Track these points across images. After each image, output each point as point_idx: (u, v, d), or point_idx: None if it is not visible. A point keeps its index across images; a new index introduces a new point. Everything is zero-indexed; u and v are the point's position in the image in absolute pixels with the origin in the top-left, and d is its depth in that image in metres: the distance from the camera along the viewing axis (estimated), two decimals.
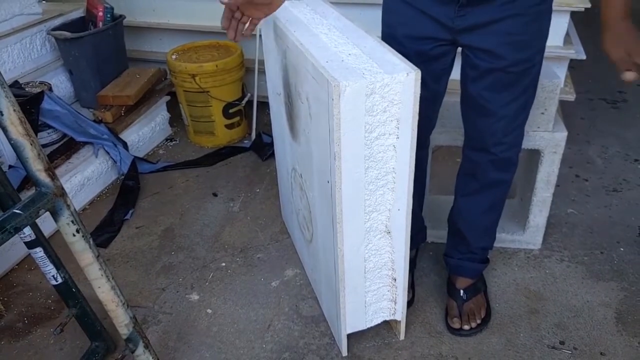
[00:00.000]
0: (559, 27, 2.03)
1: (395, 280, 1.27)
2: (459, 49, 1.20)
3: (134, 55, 2.56)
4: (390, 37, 1.24)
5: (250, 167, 2.17)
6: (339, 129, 1.00)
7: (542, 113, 1.44)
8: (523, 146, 1.46)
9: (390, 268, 1.25)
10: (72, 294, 1.28)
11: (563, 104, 2.20)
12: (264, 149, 2.25)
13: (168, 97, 2.37)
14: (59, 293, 1.28)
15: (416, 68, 1.00)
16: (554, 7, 1.94)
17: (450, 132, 1.50)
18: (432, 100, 1.28)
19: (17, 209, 0.96)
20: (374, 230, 1.17)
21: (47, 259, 1.21)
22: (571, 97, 2.13)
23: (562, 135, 1.46)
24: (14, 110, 0.93)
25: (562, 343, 1.37)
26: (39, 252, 1.20)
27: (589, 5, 1.96)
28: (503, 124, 1.23)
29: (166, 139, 2.40)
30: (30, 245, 1.20)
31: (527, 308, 1.47)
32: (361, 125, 1.02)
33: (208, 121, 2.26)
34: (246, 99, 2.33)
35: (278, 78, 1.39)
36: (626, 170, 2.05)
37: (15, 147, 0.95)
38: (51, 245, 1.22)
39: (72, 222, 1.03)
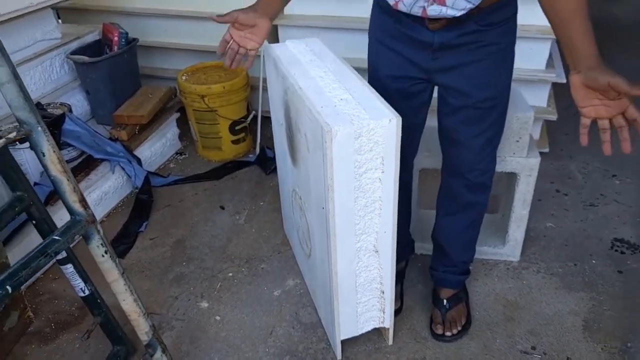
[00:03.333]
0: (541, 52, 2.18)
1: (383, 292, 1.43)
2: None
3: (145, 72, 2.73)
4: (374, 75, 1.41)
5: (254, 181, 2.34)
6: (331, 166, 1.16)
7: (517, 141, 1.59)
8: (502, 169, 1.63)
9: (378, 282, 1.41)
10: (97, 304, 1.45)
11: (549, 122, 2.36)
12: (267, 163, 2.41)
13: (178, 114, 2.54)
14: (85, 303, 1.45)
15: (397, 115, 1.16)
16: (537, 35, 2.11)
17: (434, 156, 1.65)
18: (413, 130, 1.44)
19: (56, 236, 1.13)
20: (363, 250, 1.34)
21: (77, 274, 1.38)
22: (553, 117, 2.28)
23: (535, 160, 1.62)
24: (54, 151, 1.10)
25: (533, 348, 1.53)
26: (69, 268, 1.37)
27: None
28: (474, 154, 1.39)
29: (176, 153, 2.57)
30: (62, 262, 1.37)
31: (503, 316, 1.63)
32: (351, 162, 1.18)
33: (215, 137, 2.43)
34: (251, 116, 2.49)
35: (280, 110, 1.56)
36: (604, 186, 2.21)
37: (54, 182, 1.12)
38: (79, 261, 1.38)
39: (102, 244, 1.20)
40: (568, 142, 2.52)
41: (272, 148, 2.35)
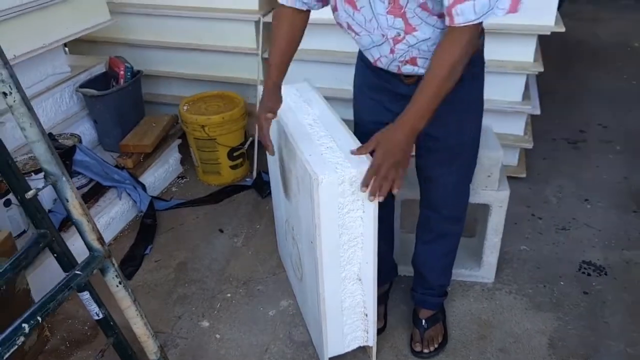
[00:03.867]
0: (517, 86, 2.36)
1: (366, 315, 1.60)
2: None
3: (148, 99, 2.89)
4: (358, 119, 1.60)
5: (251, 205, 2.50)
6: (318, 207, 1.33)
7: (489, 176, 1.76)
8: (475, 201, 1.80)
9: (362, 306, 1.57)
10: (110, 326, 1.60)
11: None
12: (263, 187, 2.57)
13: (180, 141, 2.70)
14: (99, 325, 1.60)
15: None
16: (512, 70, 2.29)
17: (414, 188, 1.81)
18: None
19: (77, 271, 1.30)
20: (348, 279, 1.50)
21: (92, 300, 1.53)
22: (529, 145, 2.46)
23: (505, 193, 1.79)
24: (76, 197, 1.26)
25: None
26: (86, 295, 1.52)
27: (542, 69, 2.28)
28: (447, 190, 1.56)
29: (178, 177, 2.73)
30: (79, 289, 1.53)
31: (477, 334, 1.79)
32: (335, 204, 1.35)
33: (215, 163, 2.60)
34: (248, 143, 2.66)
35: (275, 150, 1.72)
36: (576, 210, 2.38)
37: (76, 223, 1.29)
38: (94, 289, 1.54)
39: (116, 276, 1.37)
40: (545, 166, 2.69)
41: (267, 172, 2.52)
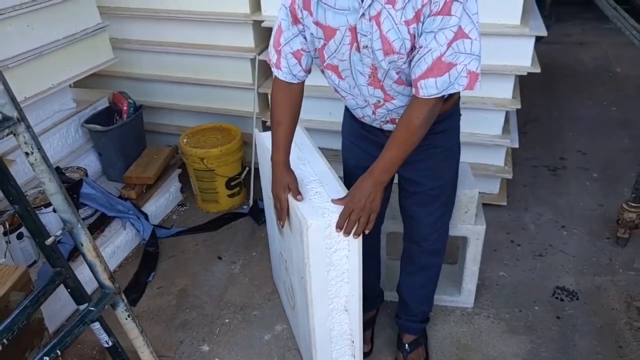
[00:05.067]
0: (497, 121, 2.52)
1: (353, 342, 1.74)
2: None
3: (150, 128, 3.03)
4: (346, 164, 1.76)
5: (248, 232, 2.65)
6: (307, 248, 1.48)
7: (466, 212, 1.92)
8: (454, 234, 1.95)
9: (349, 334, 1.72)
10: (118, 352, 1.73)
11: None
12: (259, 214, 2.72)
13: (180, 170, 2.85)
14: (108, 352, 1.74)
15: None
16: (492, 107, 2.46)
17: (399, 223, 1.97)
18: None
19: (91, 307, 1.44)
20: (335, 310, 1.65)
21: (102, 330, 1.67)
22: (509, 175, 2.61)
23: (482, 227, 1.94)
24: (89, 241, 1.41)
25: None
26: (96, 326, 1.66)
27: (519, 106, 2.44)
28: (427, 227, 1.71)
29: (178, 205, 2.88)
30: (90, 321, 1.67)
31: (456, 357, 1.94)
32: (323, 245, 1.50)
33: (213, 192, 2.75)
34: (244, 172, 2.81)
35: (269, 187, 1.87)
36: (553, 236, 2.53)
37: (90, 265, 1.44)
38: (104, 320, 1.68)
39: (126, 310, 1.52)
40: (525, 194, 2.84)
41: (263, 200, 2.66)
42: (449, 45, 1.23)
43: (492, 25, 2.29)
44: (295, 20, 1.39)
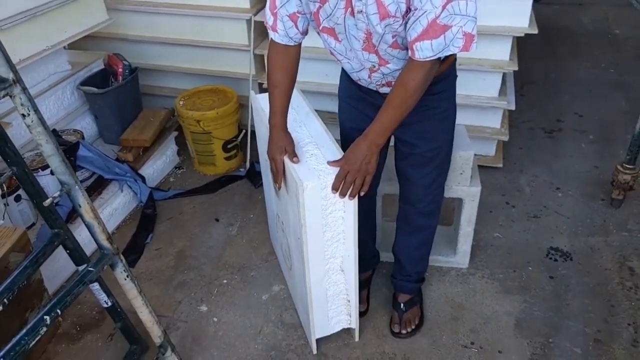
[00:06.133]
0: (494, 83, 2.50)
1: (349, 301, 1.78)
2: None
3: (145, 91, 3.00)
4: (342, 126, 1.75)
5: (245, 194, 2.66)
6: (303, 210, 1.49)
7: (461, 174, 1.93)
8: (449, 195, 1.96)
9: (345, 294, 1.76)
10: (117, 312, 1.78)
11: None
12: (256, 177, 2.72)
13: (176, 133, 2.84)
14: (107, 312, 1.78)
15: None
16: (489, 69, 2.44)
17: (394, 184, 1.98)
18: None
19: (90, 267, 1.46)
20: (332, 270, 1.68)
21: (102, 290, 1.70)
22: (505, 137, 2.61)
23: (477, 189, 1.95)
24: (87, 203, 1.42)
25: (472, 343, 1.88)
26: (96, 286, 1.69)
27: (516, 68, 2.42)
28: (422, 189, 1.73)
29: (175, 167, 2.88)
30: (89, 281, 1.69)
31: (450, 316, 1.98)
32: (318, 206, 1.51)
33: (210, 155, 2.74)
34: (241, 135, 2.81)
35: (265, 149, 1.87)
36: (548, 198, 2.55)
37: (88, 226, 1.45)
38: (103, 281, 1.71)
39: (124, 270, 1.54)
40: (521, 156, 2.85)
41: (259, 163, 2.67)
42: (444, 7, 1.22)
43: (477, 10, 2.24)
44: None
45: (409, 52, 1.30)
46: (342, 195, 1.47)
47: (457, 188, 1.96)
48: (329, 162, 1.51)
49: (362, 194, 1.48)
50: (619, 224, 2.37)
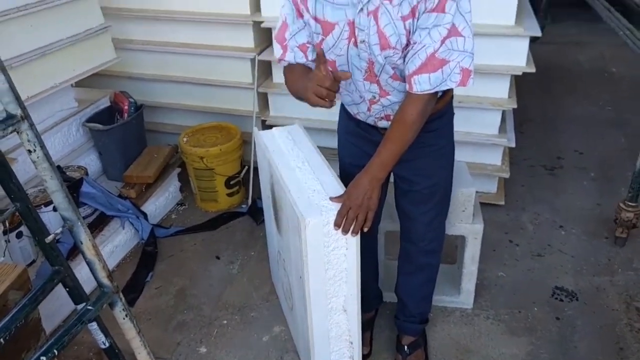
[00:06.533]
0: (493, 120, 2.53)
1: (352, 343, 1.74)
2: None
3: (150, 127, 3.03)
4: (342, 162, 1.77)
5: (246, 231, 2.65)
6: (305, 246, 1.48)
7: (463, 211, 1.92)
8: (452, 233, 1.95)
9: (347, 335, 1.72)
10: (115, 354, 1.73)
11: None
12: (258, 213, 2.72)
13: (179, 169, 2.86)
14: (105, 353, 1.73)
15: None
16: (489, 106, 2.47)
17: (396, 221, 1.96)
18: None
19: (89, 306, 1.44)
20: (334, 310, 1.65)
21: (100, 331, 1.67)
22: (506, 175, 2.62)
23: (479, 226, 1.95)
24: (89, 239, 1.41)
25: None
26: (94, 325, 1.66)
27: (515, 106, 2.45)
28: (423, 226, 1.72)
29: (177, 204, 2.88)
30: (88, 320, 1.67)
31: (456, 359, 1.93)
32: (320, 243, 1.50)
33: (212, 191, 2.75)
34: (244, 171, 2.82)
35: (267, 186, 1.88)
36: (551, 236, 2.53)
37: (89, 263, 1.44)
38: (102, 320, 1.68)
39: (123, 309, 1.52)
40: (523, 193, 2.85)
41: (262, 199, 2.66)
42: (443, 42, 1.26)
43: (487, 26, 2.31)
44: (300, 14, 1.40)
45: (407, 85, 1.33)
46: (345, 231, 1.46)
47: (460, 225, 1.96)
48: (330, 198, 1.51)
49: (365, 230, 1.47)
50: (624, 263, 2.34)
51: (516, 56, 2.37)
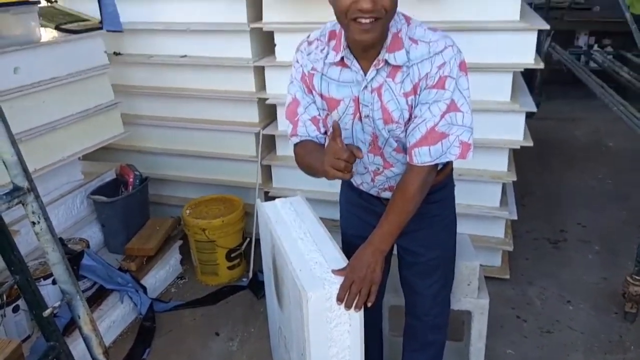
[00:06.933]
0: (493, 193, 2.56)
1: None
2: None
3: (154, 200, 3.07)
4: (344, 234, 1.76)
5: (247, 306, 2.60)
6: (307, 321, 1.45)
7: (468, 285, 1.89)
8: (457, 308, 1.91)
9: None
10: None
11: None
12: (259, 287, 2.68)
13: (181, 242, 2.85)
14: None
15: None
16: (489, 179, 2.49)
17: (400, 295, 1.93)
18: None
19: None
20: None
21: None
22: (509, 247, 2.61)
23: (485, 301, 1.91)
24: (87, 314, 1.39)
25: None
26: None
27: (515, 179, 2.49)
28: (429, 300, 1.69)
29: (177, 277, 2.85)
30: None
31: None
32: (323, 318, 1.47)
33: (213, 264, 2.73)
34: (245, 243, 2.81)
35: (269, 258, 1.86)
36: (559, 312, 2.47)
37: (85, 338, 1.41)
38: None
39: None
40: (528, 267, 2.81)
41: (263, 272, 2.63)
42: (442, 116, 1.31)
43: (485, 102, 2.40)
44: (309, 90, 1.47)
45: (408, 157, 1.37)
46: (348, 306, 1.44)
47: (465, 300, 1.92)
48: (333, 271, 1.50)
49: (369, 304, 1.44)
50: (636, 340, 2.27)
51: (514, 131, 2.44)
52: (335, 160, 1.28)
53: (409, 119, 1.36)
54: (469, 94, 1.35)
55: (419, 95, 1.33)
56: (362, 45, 1.30)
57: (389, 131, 1.39)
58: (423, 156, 1.35)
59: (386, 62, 1.32)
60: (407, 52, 1.31)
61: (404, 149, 1.42)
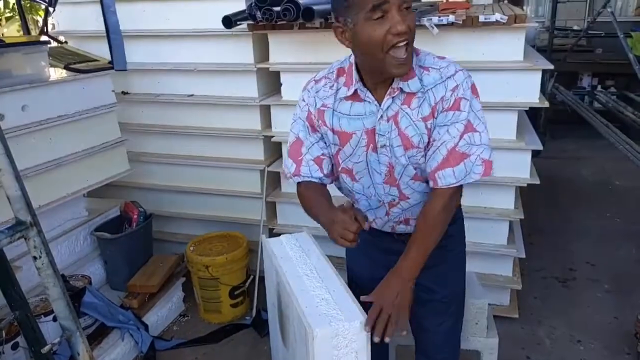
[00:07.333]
0: (501, 231, 2.53)
1: None
2: None
3: (158, 237, 3.05)
4: (351, 275, 1.74)
5: (250, 345, 2.54)
6: (313, 359, 1.41)
7: (476, 323, 1.85)
8: (466, 347, 1.86)
9: None
10: None
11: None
12: (262, 326, 2.63)
13: (184, 279, 2.82)
14: None
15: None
16: (496, 217, 2.47)
17: (409, 334, 1.89)
18: None
19: None
20: None
21: None
22: (518, 286, 2.56)
23: (494, 340, 1.86)
24: (87, 351, 1.36)
25: None
26: None
27: (522, 216, 2.47)
28: (440, 338, 1.65)
29: (180, 315, 2.80)
30: None
31: None
32: (329, 356, 1.43)
33: (216, 302, 2.68)
34: (249, 281, 2.77)
35: (274, 295, 1.83)
36: (570, 352, 2.40)
37: None
38: None
39: None
40: (537, 306, 2.75)
41: (267, 310, 2.59)
42: (461, 137, 1.33)
43: (491, 140, 2.38)
44: (314, 129, 1.48)
45: (431, 182, 1.37)
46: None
47: (474, 339, 1.87)
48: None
49: (403, 333, 1.40)
50: None
51: (520, 168, 2.44)
52: (344, 232, 1.36)
53: (428, 143, 1.37)
54: (483, 115, 1.37)
55: (436, 118, 1.35)
56: (396, 76, 1.32)
57: (409, 157, 1.39)
58: (447, 178, 1.34)
59: (401, 90, 1.35)
60: (420, 80, 1.34)
61: (421, 176, 1.42)
